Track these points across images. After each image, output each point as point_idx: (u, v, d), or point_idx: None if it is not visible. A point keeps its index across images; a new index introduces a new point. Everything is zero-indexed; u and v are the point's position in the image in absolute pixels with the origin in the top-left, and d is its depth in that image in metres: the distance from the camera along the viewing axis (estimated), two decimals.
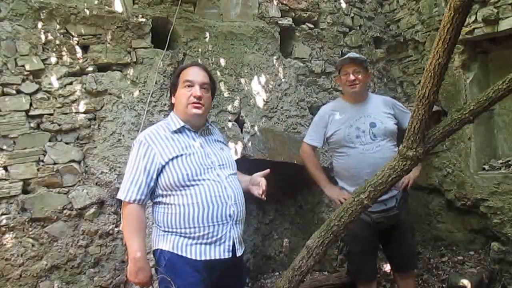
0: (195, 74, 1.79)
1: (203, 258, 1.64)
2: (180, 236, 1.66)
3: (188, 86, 1.75)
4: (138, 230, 1.66)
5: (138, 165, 1.67)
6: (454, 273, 3.24)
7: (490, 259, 3.29)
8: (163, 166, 1.66)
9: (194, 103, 1.74)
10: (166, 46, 2.76)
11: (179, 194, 1.66)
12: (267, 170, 1.88)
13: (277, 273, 3.54)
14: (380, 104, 2.56)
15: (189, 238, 1.65)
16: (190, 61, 2.87)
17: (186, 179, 1.65)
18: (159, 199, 1.72)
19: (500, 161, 3.39)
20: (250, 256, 3.43)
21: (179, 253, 1.64)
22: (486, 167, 3.39)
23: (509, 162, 3.31)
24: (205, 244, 1.64)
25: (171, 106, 1.88)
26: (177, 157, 1.67)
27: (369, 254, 2.54)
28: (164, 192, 1.69)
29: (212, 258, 1.65)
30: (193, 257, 1.63)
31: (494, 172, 3.30)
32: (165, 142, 1.71)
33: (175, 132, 1.75)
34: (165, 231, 1.69)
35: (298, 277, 1.90)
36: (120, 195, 1.68)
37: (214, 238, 1.65)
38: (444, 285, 3.17)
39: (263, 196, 1.79)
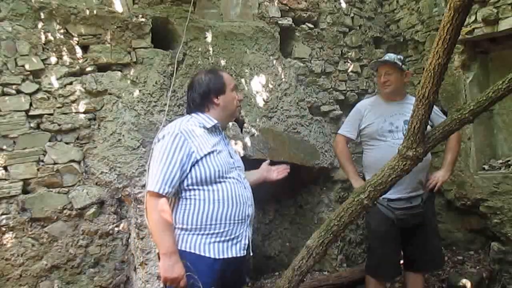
0: (233, 80, 1.97)
1: (221, 257, 1.66)
2: (198, 235, 1.66)
3: (235, 91, 1.91)
4: (169, 224, 1.64)
5: (173, 157, 1.64)
6: (454, 273, 3.24)
7: (490, 259, 3.29)
8: (197, 161, 1.67)
9: (238, 106, 1.93)
10: (180, 46, 2.77)
11: (205, 190, 1.68)
12: (267, 161, 2.12)
13: (277, 273, 3.54)
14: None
15: (207, 235, 1.66)
16: (190, 61, 2.87)
17: (217, 176, 1.69)
18: (183, 194, 1.69)
19: (500, 161, 3.39)
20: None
21: (197, 252, 1.65)
22: (486, 167, 3.39)
23: (509, 162, 3.31)
24: (223, 242, 1.67)
25: (205, 106, 1.85)
26: (210, 153, 1.70)
27: (390, 251, 2.53)
28: (191, 187, 1.68)
29: (230, 256, 1.68)
30: (212, 256, 1.64)
31: (494, 172, 3.29)
32: (200, 138, 1.73)
33: (207, 129, 1.79)
34: (182, 229, 1.68)
35: (298, 277, 1.90)
36: (152, 187, 1.63)
37: (233, 236, 1.69)
38: (444, 285, 3.17)
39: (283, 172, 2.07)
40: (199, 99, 1.85)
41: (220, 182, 1.69)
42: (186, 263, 1.63)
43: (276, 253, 3.71)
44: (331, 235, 1.90)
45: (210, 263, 1.64)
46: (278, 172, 2.05)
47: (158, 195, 1.63)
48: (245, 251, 1.74)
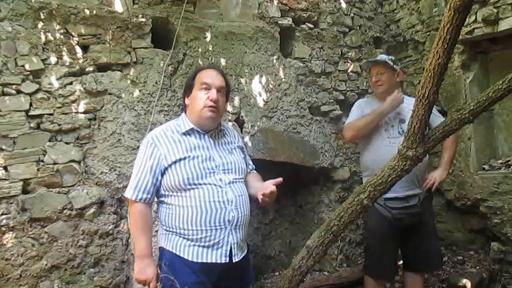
0: (212, 77, 1.77)
1: (199, 260, 1.64)
2: (180, 236, 1.67)
3: (205, 88, 1.74)
4: (145, 228, 1.69)
5: (145, 164, 1.69)
6: (454, 273, 3.25)
7: (490, 259, 3.30)
8: (166, 168, 1.68)
9: (210, 106, 1.71)
10: (173, 46, 2.77)
11: (179, 196, 1.67)
12: (280, 179, 1.74)
13: (277, 273, 3.54)
14: (411, 104, 2.58)
15: (187, 239, 1.66)
16: (190, 61, 2.88)
17: (186, 183, 1.65)
18: (162, 198, 1.74)
19: (500, 161, 3.39)
20: (250, 256, 3.44)
21: (178, 253, 1.66)
22: (486, 167, 3.39)
23: (509, 162, 3.31)
24: (203, 247, 1.65)
25: (184, 107, 1.87)
26: (180, 160, 1.67)
27: (387, 251, 2.53)
28: (166, 193, 1.71)
29: (209, 261, 1.64)
30: (190, 259, 1.64)
31: (494, 172, 3.30)
32: (172, 144, 1.71)
33: (184, 134, 1.75)
34: (167, 230, 1.71)
35: (298, 277, 1.89)
36: (127, 194, 1.71)
37: (212, 242, 1.65)
38: (444, 285, 3.17)
39: (261, 198, 1.72)
40: (182, 98, 1.89)
41: (192, 188, 1.65)
42: (162, 265, 1.66)
43: (276, 253, 3.72)
44: (331, 235, 1.89)
45: (190, 265, 1.64)
46: (263, 197, 1.72)
47: (134, 201, 1.69)
48: (227, 258, 1.66)
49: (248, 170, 1.95)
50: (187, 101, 1.81)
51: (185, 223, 1.65)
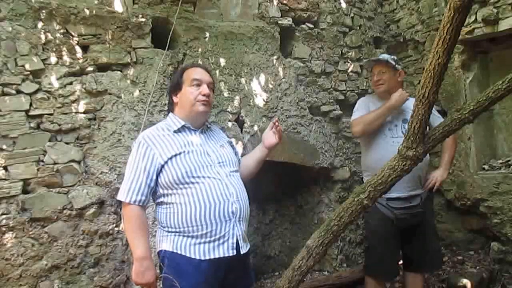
0: (202, 74, 1.83)
1: (207, 258, 1.63)
2: (183, 236, 1.66)
3: (197, 85, 1.79)
4: (141, 231, 1.66)
5: (137, 165, 1.68)
6: (454, 273, 3.25)
7: (490, 259, 3.30)
8: (162, 166, 1.68)
9: (203, 101, 1.77)
10: (167, 46, 2.76)
11: (179, 193, 1.67)
12: (275, 119, 1.93)
13: (277, 273, 3.54)
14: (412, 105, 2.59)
15: (192, 237, 1.65)
16: (190, 61, 2.88)
17: (185, 176, 1.65)
18: (161, 199, 1.73)
19: (500, 161, 3.39)
20: (250, 255, 3.44)
21: (183, 253, 1.64)
22: (486, 167, 3.39)
23: (509, 162, 3.31)
24: (208, 242, 1.64)
25: (171, 106, 1.88)
26: (176, 155, 1.68)
27: (389, 251, 2.53)
28: (165, 191, 1.70)
29: (216, 256, 1.64)
30: (197, 257, 1.63)
31: (494, 172, 3.30)
32: (164, 142, 1.72)
33: (175, 131, 1.77)
34: (168, 232, 1.70)
35: (298, 277, 1.89)
36: (121, 196, 1.68)
37: (218, 236, 1.65)
38: (444, 285, 3.17)
39: (277, 138, 1.91)
40: (168, 98, 1.91)
41: (192, 182, 1.65)
42: (163, 266, 1.66)
43: (276, 253, 3.72)
44: (331, 235, 1.89)
45: (196, 264, 1.63)
46: (274, 133, 1.93)
47: (128, 204, 1.67)
48: (235, 250, 1.67)
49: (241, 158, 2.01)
50: (175, 99, 1.84)
51: (188, 220, 1.64)
